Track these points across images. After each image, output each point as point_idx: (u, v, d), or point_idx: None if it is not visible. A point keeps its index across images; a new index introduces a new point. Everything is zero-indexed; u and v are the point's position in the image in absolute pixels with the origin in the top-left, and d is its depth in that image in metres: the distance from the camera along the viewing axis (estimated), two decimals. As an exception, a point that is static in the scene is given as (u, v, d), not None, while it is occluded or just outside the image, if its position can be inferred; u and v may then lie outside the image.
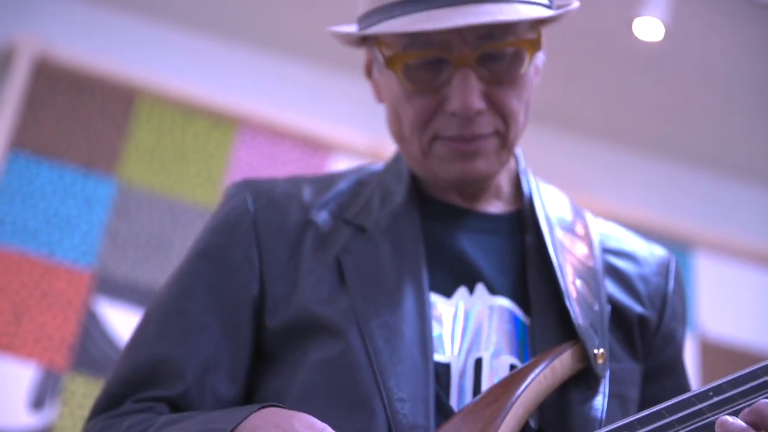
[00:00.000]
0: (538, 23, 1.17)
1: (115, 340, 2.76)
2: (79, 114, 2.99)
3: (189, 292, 1.17)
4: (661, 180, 3.47)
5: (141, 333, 1.18)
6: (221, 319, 1.15)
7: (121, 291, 2.82)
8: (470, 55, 1.13)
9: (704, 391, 0.99)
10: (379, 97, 1.25)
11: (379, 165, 1.32)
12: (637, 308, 1.21)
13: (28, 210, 2.85)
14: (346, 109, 3.23)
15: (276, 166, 3.08)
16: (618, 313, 1.19)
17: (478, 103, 1.13)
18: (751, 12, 2.83)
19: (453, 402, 1.09)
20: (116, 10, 3.14)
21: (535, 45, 1.17)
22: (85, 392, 2.70)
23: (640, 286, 1.23)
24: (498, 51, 1.14)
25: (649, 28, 2.78)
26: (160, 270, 2.86)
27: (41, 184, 2.89)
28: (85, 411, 2.65)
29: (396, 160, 1.28)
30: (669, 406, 0.99)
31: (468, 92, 1.13)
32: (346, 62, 3.17)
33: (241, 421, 0.99)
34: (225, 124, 3.10)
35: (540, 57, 1.22)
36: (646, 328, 1.21)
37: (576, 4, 1.19)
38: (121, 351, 1.19)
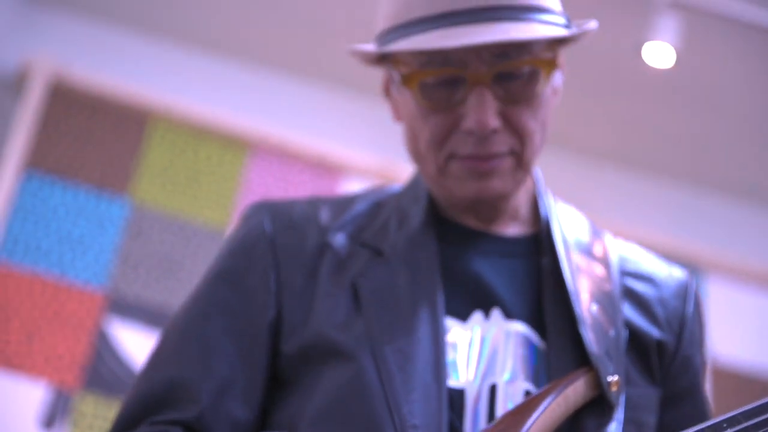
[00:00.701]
0: (555, 43, 1.17)
1: (126, 360, 2.77)
2: (93, 135, 3.00)
3: (206, 315, 1.17)
4: (671, 203, 3.47)
5: (157, 355, 1.18)
6: (238, 342, 1.15)
7: (133, 312, 2.83)
8: (486, 74, 1.12)
9: (718, 422, 0.97)
10: (397, 116, 1.24)
11: (397, 186, 1.31)
12: (655, 333, 1.19)
13: (41, 230, 2.87)
14: (357, 131, 3.24)
15: (287, 188, 3.09)
16: (635, 337, 1.18)
17: (493, 121, 1.13)
18: (759, 38, 2.83)
19: (467, 428, 1.08)
20: (131, 32, 3.16)
21: (551, 64, 1.16)
22: (95, 412, 2.70)
23: (659, 310, 1.21)
24: (514, 70, 1.14)
25: (659, 54, 2.79)
26: (172, 291, 2.87)
27: (54, 204, 2.91)
28: (96, 431, 2.66)
29: (414, 182, 1.28)
30: None
31: (483, 111, 1.13)
32: (358, 84, 3.19)
33: None
34: (237, 145, 3.11)
35: (558, 77, 1.21)
36: (664, 352, 1.19)
37: (593, 25, 1.18)
38: (138, 373, 1.19)
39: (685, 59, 2.84)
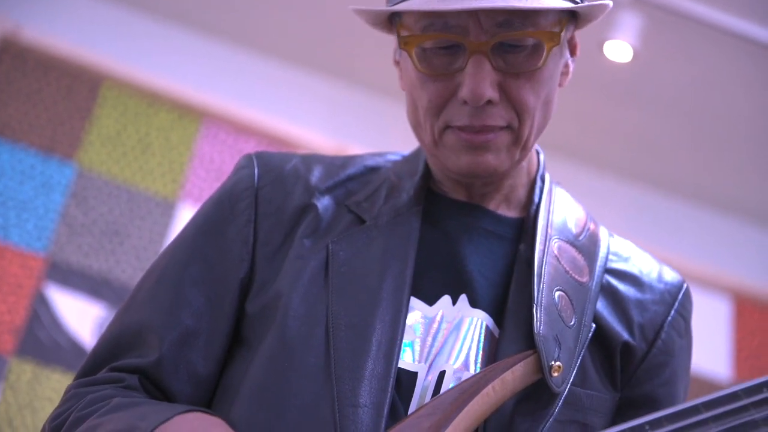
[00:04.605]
0: (565, 20, 1.12)
1: (64, 326, 2.73)
2: (43, 98, 2.96)
3: (183, 262, 1.16)
4: (616, 200, 3.49)
5: (132, 298, 1.17)
6: (208, 294, 1.14)
7: (74, 278, 2.80)
8: (486, 42, 1.08)
9: (641, 424, 0.94)
10: (402, 84, 1.20)
11: (398, 154, 1.29)
12: (624, 335, 1.15)
13: (-15, 190, 2.83)
14: (313, 109, 3.22)
15: (239, 162, 3.07)
16: (602, 334, 1.14)
17: (489, 92, 1.09)
18: (721, 41, 2.86)
19: (411, 412, 1.05)
20: (87, -6, 3.12)
21: (555, 39, 1.10)
22: (30, 377, 2.67)
23: (635, 312, 1.17)
24: (516, 40, 1.09)
25: (618, 50, 2.81)
26: (115, 259, 2.84)
27: (0, 165, 2.86)
28: (31, 396, 2.63)
29: (415, 154, 1.25)
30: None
31: (480, 80, 1.08)
32: (316, 63, 3.17)
33: (163, 422, 0.98)
34: (190, 116, 3.08)
35: (567, 58, 1.17)
36: (629, 356, 1.15)
37: (606, 2, 1.13)
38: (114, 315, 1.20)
39: (642, 57, 2.85)
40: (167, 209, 2.94)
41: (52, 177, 2.89)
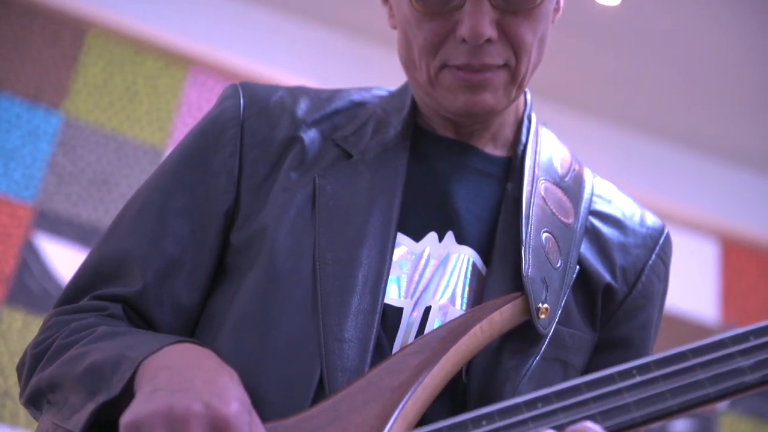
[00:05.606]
0: None
1: (53, 274, 2.74)
2: (29, 45, 2.93)
3: (166, 192, 1.15)
4: (604, 144, 3.49)
5: (113, 228, 1.16)
6: (192, 225, 1.13)
7: (62, 226, 2.80)
8: None
9: (628, 369, 0.93)
10: (392, 22, 1.20)
11: (385, 90, 1.27)
12: (607, 277, 1.16)
13: (-29, 140, 2.81)
14: (301, 56, 3.20)
15: (226, 109, 3.05)
16: (585, 276, 1.15)
17: (489, 30, 1.08)
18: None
19: (396, 348, 1.06)
20: (71, -59, 3.08)
21: None
22: (21, 326, 2.67)
23: (617, 255, 1.18)
24: None
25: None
26: (103, 207, 2.84)
27: (-14, 114, 2.85)
28: (21, 344, 2.64)
29: (402, 90, 1.24)
30: (589, 381, 0.93)
31: (479, 18, 1.07)
32: (303, 9, 3.14)
33: (153, 353, 0.97)
34: (177, 64, 3.06)
35: None
36: (610, 298, 1.16)
37: None
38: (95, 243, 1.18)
39: (631, 0, 2.84)
40: (155, 157, 2.93)
41: (39, 126, 2.87)
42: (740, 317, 3.33)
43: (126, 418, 0.88)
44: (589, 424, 0.88)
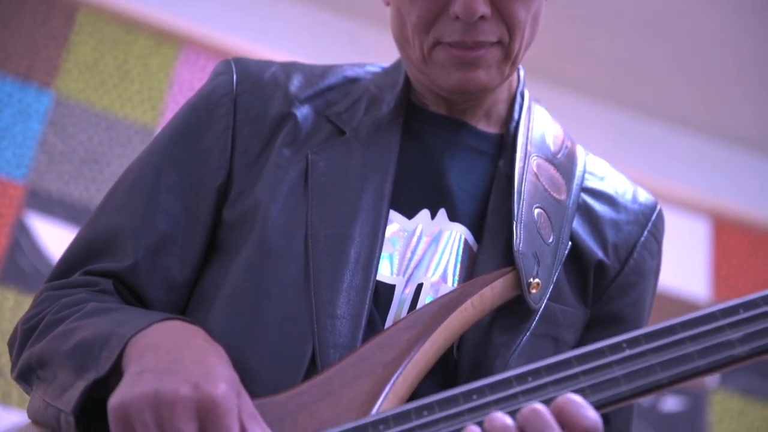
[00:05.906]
0: None
1: (45, 253, 2.74)
2: (19, 24, 2.92)
3: (158, 169, 1.15)
4: (607, 125, 3.49)
5: (105, 204, 1.17)
6: (184, 201, 1.13)
7: (54, 206, 2.79)
8: None
9: (618, 343, 0.93)
10: None
11: (378, 66, 1.27)
12: (599, 253, 1.16)
13: (-38, 119, 2.80)
14: (293, 35, 3.19)
15: (218, 88, 3.04)
16: (577, 253, 1.15)
17: (482, 7, 1.08)
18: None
19: (388, 324, 1.07)
20: None
21: None
22: (13, 305, 2.67)
23: (609, 232, 1.18)
24: None
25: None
26: (95, 186, 2.83)
27: (-24, 93, 2.84)
28: (14, 323, 2.63)
29: (395, 67, 1.24)
30: (579, 355, 0.92)
31: None
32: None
33: (142, 329, 0.97)
34: (168, 43, 3.05)
35: None
36: (602, 275, 1.16)
37: None
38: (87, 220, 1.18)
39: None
40: (147, 136, 2.93)
41: (30, 105, 2.86)
42: (731, 295, 3.34)
43: (113, 401, 0.88)
44: (573, 396, 0.88)
